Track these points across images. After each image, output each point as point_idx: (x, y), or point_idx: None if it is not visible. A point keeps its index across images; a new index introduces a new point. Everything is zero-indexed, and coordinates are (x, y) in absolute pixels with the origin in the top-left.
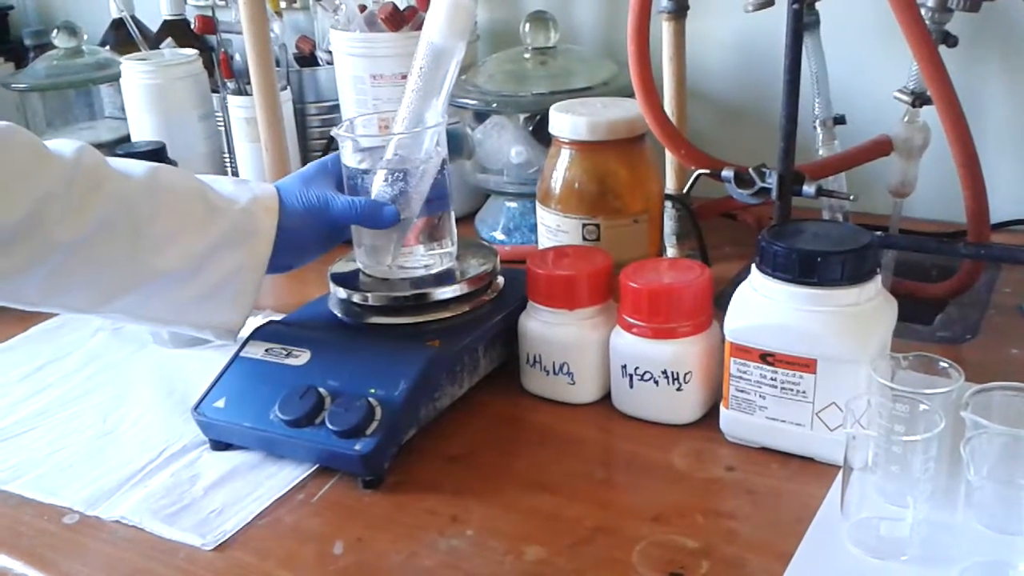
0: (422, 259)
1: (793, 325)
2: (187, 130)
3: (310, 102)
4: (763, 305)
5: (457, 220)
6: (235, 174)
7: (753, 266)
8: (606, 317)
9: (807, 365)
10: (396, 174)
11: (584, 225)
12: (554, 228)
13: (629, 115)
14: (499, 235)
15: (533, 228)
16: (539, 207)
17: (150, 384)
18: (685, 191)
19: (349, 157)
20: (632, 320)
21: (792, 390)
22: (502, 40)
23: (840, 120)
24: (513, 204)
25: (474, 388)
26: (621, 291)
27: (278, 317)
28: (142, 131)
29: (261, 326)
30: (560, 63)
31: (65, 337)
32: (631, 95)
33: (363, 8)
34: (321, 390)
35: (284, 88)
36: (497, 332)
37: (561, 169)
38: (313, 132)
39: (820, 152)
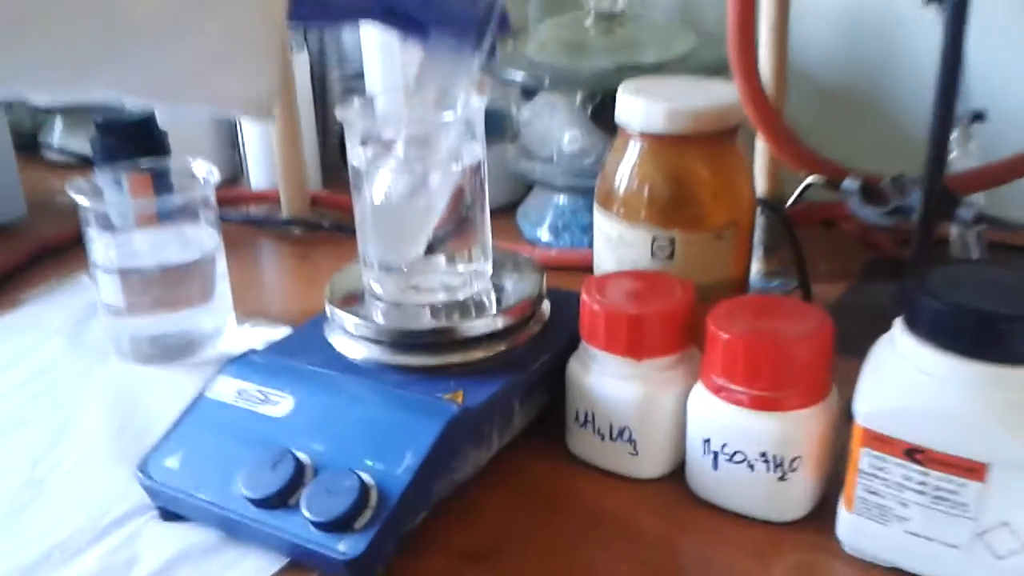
0: (444, 278)
1: (960, 414)
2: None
3: (333, 64)
4: (915, 382)
5: (493, 212)
6: (242, 153)
7: (897, 324)
8: (684, 370)
9: (974, 470)
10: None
11: (654, 239)
12: (615, 239)
13: (720, 102)
14: (544, 234)
15: (586, 228)
16: (597, 210)
17: (101, 414)
18: (791, 202)
19: (356, 150)
20: (722, 382)
21: (948, 500)
22: (558, 2)
23: (979, 117)
24: (563, 199)
25: (505, 447)
26: (708, 339)
27: (275, 330)
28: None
29: (235, 357)
30: (628, 32)
31: (16, 339)
32: (712, 73)
33: None
34: (301, 456)
35: (301, 49)
36: (539, 378)
37: (628, 166)
38: (334, 100)
39: (953, 156)
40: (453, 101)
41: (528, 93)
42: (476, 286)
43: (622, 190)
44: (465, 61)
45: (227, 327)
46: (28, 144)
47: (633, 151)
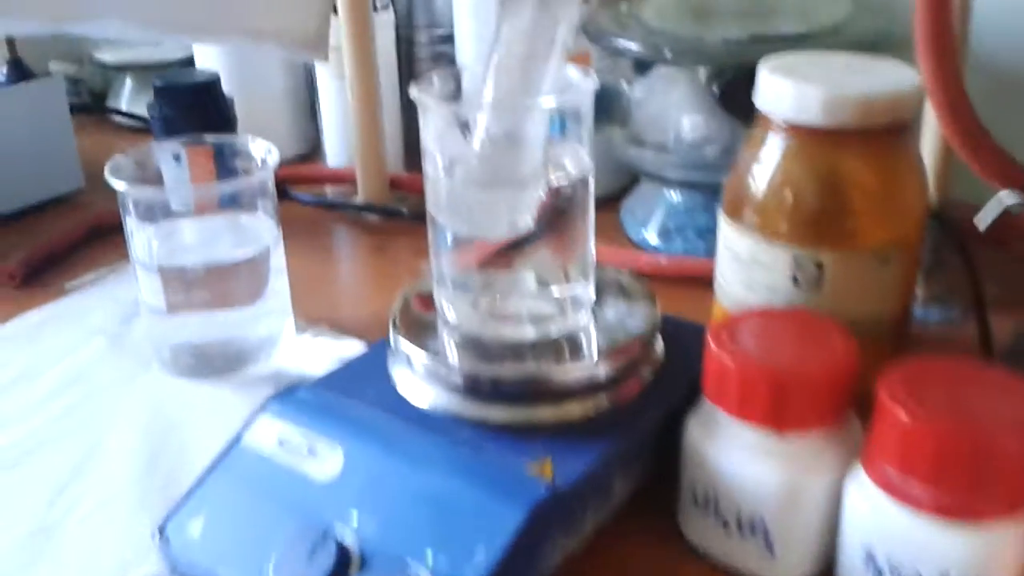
0: (533, 305)
1: None
2: (264, 60)
3: (421, 26)
4: None
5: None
6: (319, 125)
7: None
8: (841, 448)
9: None
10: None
11: (797, 260)
12: (745, 258)
13: (893, 88)
14: (652, 237)
15: (703, 232)
16: (723, 219)
17: (132, 442)
18: (984, 220)
19: (431, 136)
20: (896, 476)
21: None
22: None
23: None
24: (676, 195)
25: (602, 526)
26: (879, 414)
27: (341, 343)
28: (208, 57)
29: (281, 393)
30: None
31: (54, 337)
32: (871, 49)
33: None
34: (346, 539)
35: (386, 5)
36: (649, 439)
37: (768, 165)
38: (421, 68)
39: None
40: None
41: (642, 67)
42: (573, 318)
43: (759, 196)
44: None
45: (283, 335)
46: (98, 106)
47: (775, 146)
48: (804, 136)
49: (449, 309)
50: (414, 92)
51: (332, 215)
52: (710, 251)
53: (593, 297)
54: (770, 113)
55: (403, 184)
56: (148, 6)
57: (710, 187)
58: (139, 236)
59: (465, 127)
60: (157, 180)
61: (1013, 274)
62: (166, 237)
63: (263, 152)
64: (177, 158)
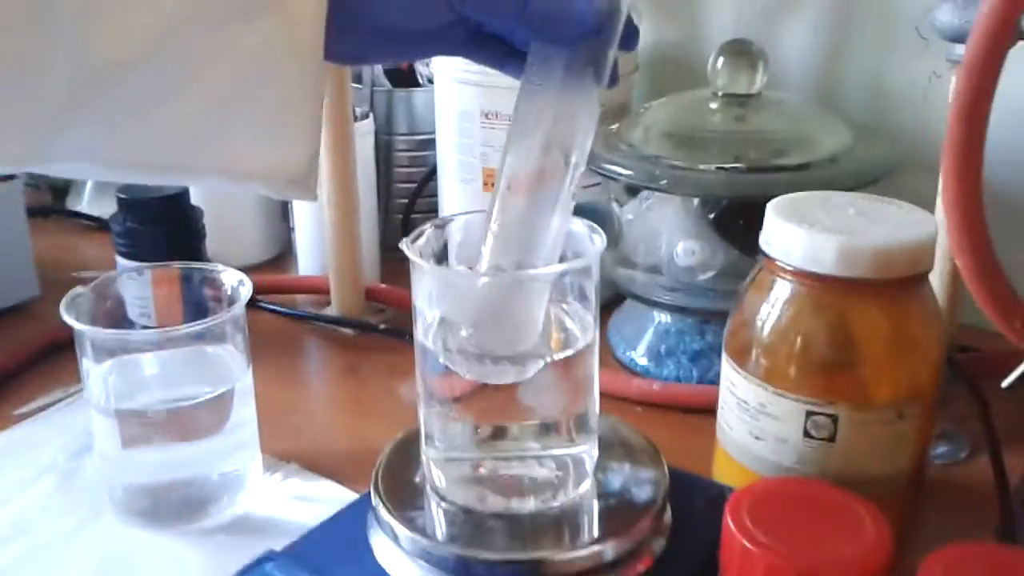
0: (533, 470)
1: None
2: None
3: (400, 134)
4: None
5: None
6: (292, 225)
7: None
8: None
9: None
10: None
11: (810, 414)
12: (754, 406)
13: (912, 238)
14: (641, 359)
15: (695, 356)
16: (728, 363)
17: None
18: (1011, 380)
19: (422, 296)
20: None
21: None
22: (674, 73)
23: None
24: (666, 316)
25: None
26: None
27: (313, 485)
28: None
29: (250, 567)
30: (762, 120)
31: None
32: (873, 180)
33: None
34: None
35: (366, 116)
36: None
37: (776, 311)
38: (399, 174)
39: None
40: (566, 164)
41: (634, 188)
42: (576, 486)
43: (766, 341)
44: (580, 90)
45: (250, 474)
46: (58, 206)
47: (784, 291)
48: (816, 284)
49: (438, 475)
50: (406, 249)
51: (302, 326)
52: (703, 377)
53: (596, 455)
54: (780, 260)
55: (379, 295)
56: (119, 147)
57: (703, 312)
58: (95, 376)
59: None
60: (118, 310)
61: (1013, 406)
62: (124, 372)
63: (235, 282)
64: (140, 290)
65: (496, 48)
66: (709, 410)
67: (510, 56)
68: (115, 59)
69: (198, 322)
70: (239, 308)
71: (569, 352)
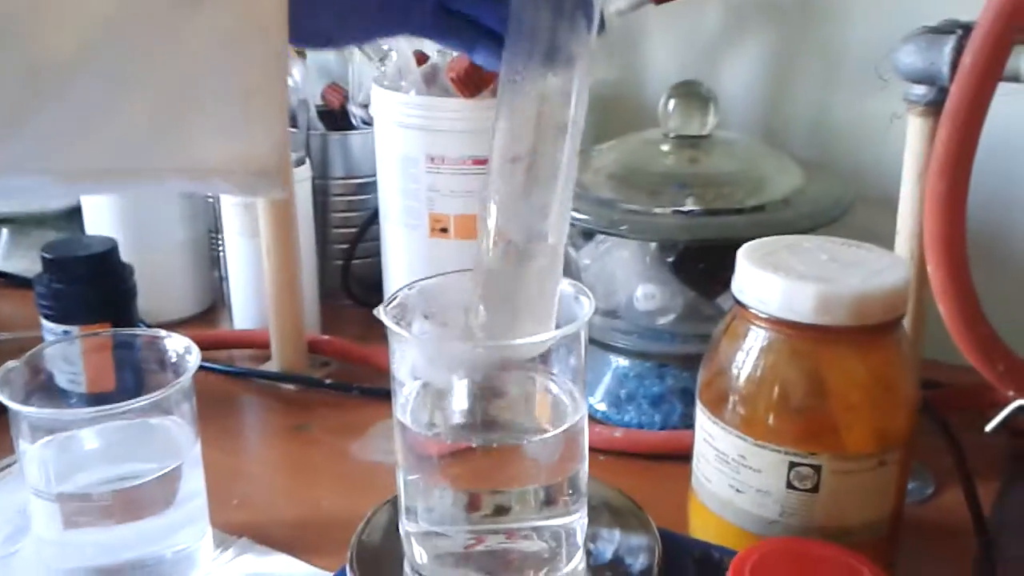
0: (520, 544)
1: None
2: (160, 210)
3: (336, 178)
4: None
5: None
6: (223, 275)
7: None
8: None
9: None
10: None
11: (793, 465)
12: (733, 459)
13: (887, 285)
14: (600, 404)
15: (656, 401)
16: (703, 412)
17: None
18: (994, 425)
19: (404, 369)
20: None
21: None
22: (620, 113)
23: None
24: (625, 361)
25: None
26: None
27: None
28: (98, 207)
29: None
30: (715, 162)
31: None
32: (829, 221)
33: (422, 59)
34: None
35: (302, 162)
36: None
37: (753, 359)
38: (336, 219)
39: None
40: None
41: (590, 232)
42: (567, 558)
43: (742, 391)
44: (573, 31)
45: (201, 553)
46: None
47: (759, 340)
48: (793, 333)
49: (419, 551)
50: (386, 319)
51: (242, 384)
52: (665, 422)
53: (586, 523)
54: (754, 307)
55: (321, 347)
56: (69, 154)
57: (663, 356)
58: (31, 456)
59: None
60: (48, 379)
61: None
62: (63, 450)
63: (180, 349)
64: (71, 357)
65: (464, 30)
66: (675, 456)
67: (479, 39)
68: (61, 58)
69: (144, 398)
70: (187, 379)
71: (564, 427)
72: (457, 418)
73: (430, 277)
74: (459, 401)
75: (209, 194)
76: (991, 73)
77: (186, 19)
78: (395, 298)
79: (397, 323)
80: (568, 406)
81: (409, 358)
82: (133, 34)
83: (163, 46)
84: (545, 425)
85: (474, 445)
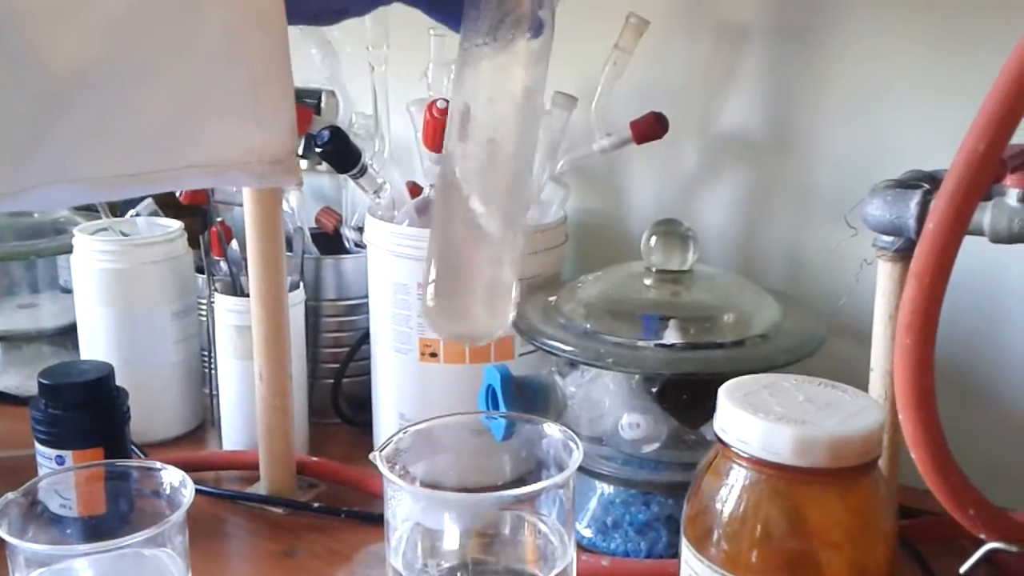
0: None
1: None
2: (155, 332)
3: (327, 299)
4: None
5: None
6: (215, 395)
7: None
8: None
9: None
10: None
11: None
12: None
13: (866, 429)
14: (585, 530)
15: (642, 528)
16: (688, 549)
17: None
18: (967, 567)
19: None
20: None
21: None
22: (602, 243)
23: None
24: (610, 488)
25: None
26: None
27: None
28: (92, 328)
29: None
30: (695, 296)
31: None
32: (805, 355)
33: (416, 190)
34: None
35: (296, 286)
36: None
37: (735, 497)
38: (326, 339)
39: None
40: None
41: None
42: None
43: (725, 527)
44: None
45: None
46: None
47: (741, 479)
48: (773, 472)
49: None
50: (385, 470)
51: (228, 506)
52: (651, 550)
53: None
54: (735, 447)
55: (310, 469)
56: (93, 160)
57: (648, 484)
58: None
59: None
60: (41, 504)
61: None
62: None
63: (175, 482)
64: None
65: (455, 4)
66: None
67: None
68: (75, 66)
69: (141, 533)
70: (180, 514)
71: (553, 572)
72: (449, 560)
73: (423, 421)
74: (450, 542)
75: (226, 188)
76: (956, 236)
77: (189, 16)
78: (389, 443)
79: (391, 469)
80: (557, 548)
81: (404, 504)
82: (141, 36)
83: (170, 45)
84: (534, 570)
85: None
